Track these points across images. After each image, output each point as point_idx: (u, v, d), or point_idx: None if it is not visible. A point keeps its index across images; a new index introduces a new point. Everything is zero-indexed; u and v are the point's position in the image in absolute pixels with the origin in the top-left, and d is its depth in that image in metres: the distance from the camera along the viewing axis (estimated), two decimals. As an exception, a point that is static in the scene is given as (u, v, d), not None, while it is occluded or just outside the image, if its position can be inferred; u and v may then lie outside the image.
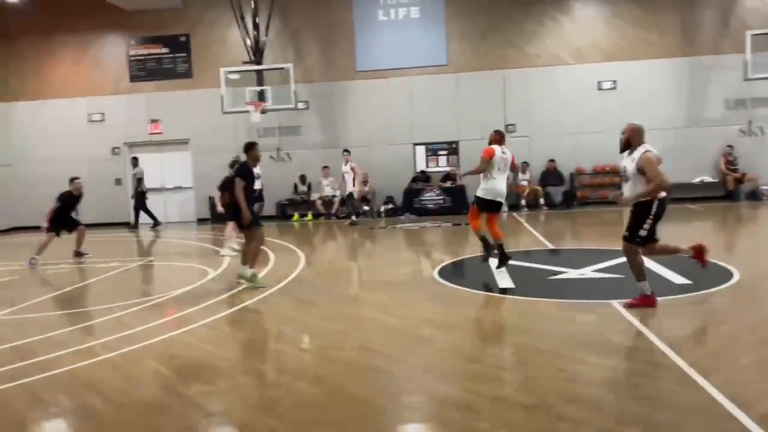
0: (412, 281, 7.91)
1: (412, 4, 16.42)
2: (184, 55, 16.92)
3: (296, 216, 16.29)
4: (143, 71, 17.07)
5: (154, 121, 17.07)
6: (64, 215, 10.98)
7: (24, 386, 4.67)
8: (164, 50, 16.97)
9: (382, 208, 16.38)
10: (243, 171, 7.76)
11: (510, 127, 16.36)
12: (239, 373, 4.76)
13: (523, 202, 16.00)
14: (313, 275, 8.68)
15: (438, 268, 8.59)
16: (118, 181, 17.17)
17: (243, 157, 8.11)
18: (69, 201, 11.06)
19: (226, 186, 9.46)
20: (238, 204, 7.63)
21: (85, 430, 3.87)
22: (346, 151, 14.96)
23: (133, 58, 17.09)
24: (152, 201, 17.46)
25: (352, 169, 14.62)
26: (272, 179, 16.67)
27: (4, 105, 17.27)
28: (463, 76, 16.32)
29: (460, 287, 7.34)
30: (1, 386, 4.70)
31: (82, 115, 17.18)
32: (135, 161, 16.42)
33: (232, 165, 10.68)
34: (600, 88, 16.06)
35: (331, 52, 16.54)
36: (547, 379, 4.28)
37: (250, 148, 7.91)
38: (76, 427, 3.94)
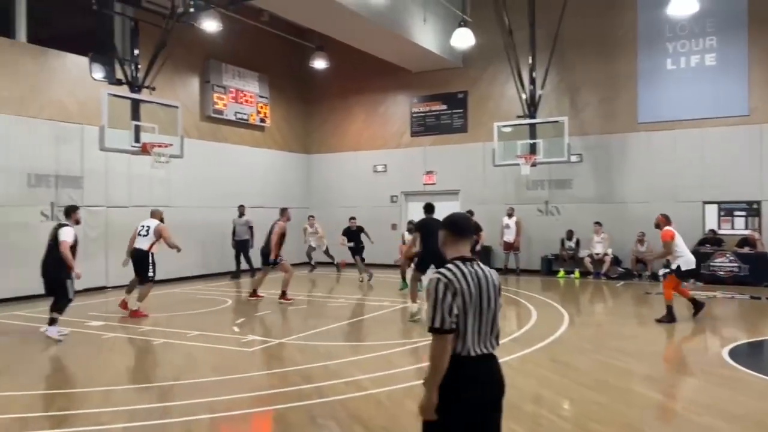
0: (693, 359, 7.07)
1: (707, 51, 15.08)
2: (461, 110, 17.88)
3: (562, 272, 15.82)
4: (423, 126, 18.46)
5: (429, 172, 18.27)
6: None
7: (304, 408, 5.32)
8: (443, 107, 18.16)
9: (661, 272, 14.98)
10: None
11: (833, 186, 13.79)
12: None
13: None
14: (576, 337, 8.30)
15: (729, 347, 7.53)
16: (394, 227, 18.70)
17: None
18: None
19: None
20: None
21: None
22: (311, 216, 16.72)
23: (414, 115, 18.60)
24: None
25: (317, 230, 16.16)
26: (538, 232, 16.58)
27: (307, 156, 20.28)
28: (766, 126, 14.34)
29: (755, 373, 6.35)
30: (286, 404, 5.43)
31: (368, 166, 19.20)
32: (241, 210, 15.83)
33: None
34: None
35: (610, 104, 15.95)
36: None
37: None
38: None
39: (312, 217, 16.88)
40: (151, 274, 9.92)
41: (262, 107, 18.21)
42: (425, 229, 9.15)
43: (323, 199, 19.92)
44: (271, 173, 18.66)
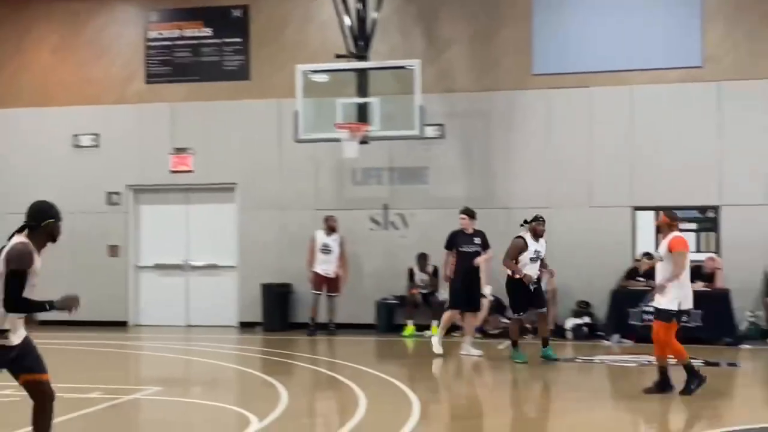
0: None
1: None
2: (239, 41, 17.39)
3: (410, 328, 15.87)
4: (168, 66, 17.73)
5: (180, 150, 17.60)
6: None
7: None
8: (205, 31, 17.55)
9: (569, 324, 15.46)
10: None
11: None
12: None
13: None
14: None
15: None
16: (113, 250, 17.63)
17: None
18: None
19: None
20: None
21: None
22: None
23: (152, 45, 17.80)
24: (172, 286, 17.80)
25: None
26: (370, 259, 16.87)
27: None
28: (729, 85, 15.44)
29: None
30: None
31: (64, 136, 17.99)
32: None
33: None
34: None
35: (489, 44, 16.41)
36: None
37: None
38: None
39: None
40: None
41: None
42: None
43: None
44: None
